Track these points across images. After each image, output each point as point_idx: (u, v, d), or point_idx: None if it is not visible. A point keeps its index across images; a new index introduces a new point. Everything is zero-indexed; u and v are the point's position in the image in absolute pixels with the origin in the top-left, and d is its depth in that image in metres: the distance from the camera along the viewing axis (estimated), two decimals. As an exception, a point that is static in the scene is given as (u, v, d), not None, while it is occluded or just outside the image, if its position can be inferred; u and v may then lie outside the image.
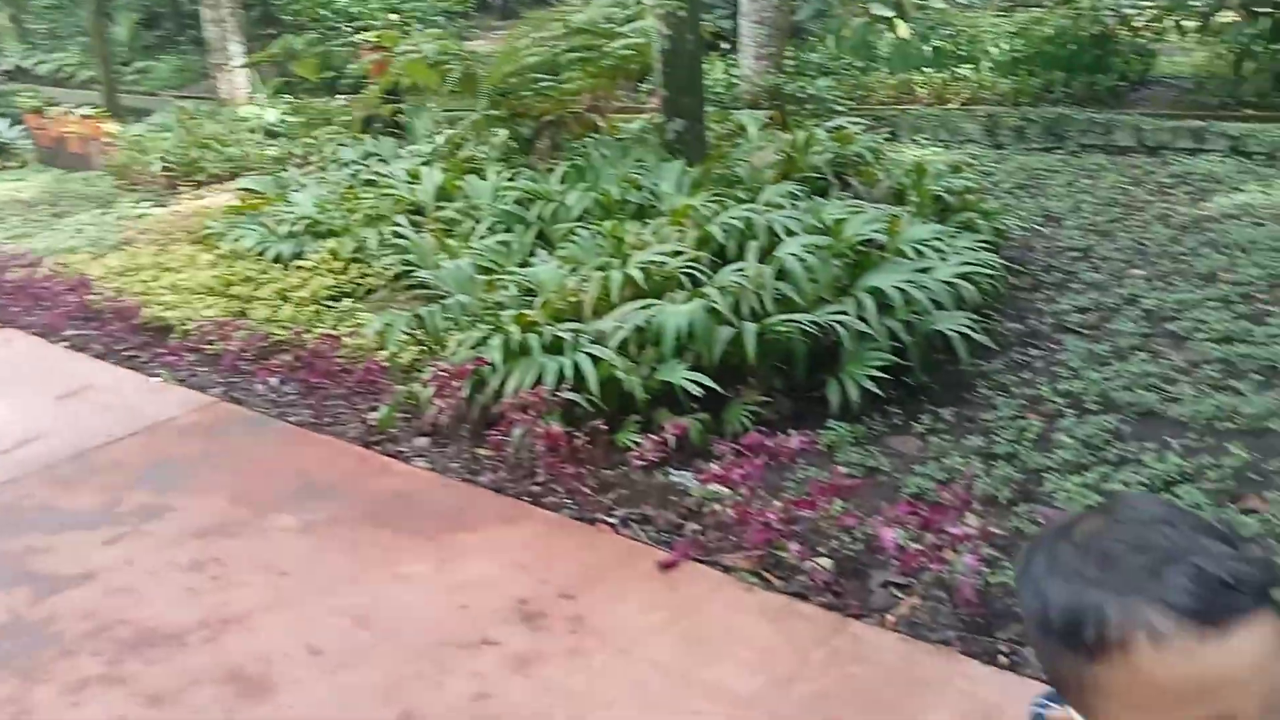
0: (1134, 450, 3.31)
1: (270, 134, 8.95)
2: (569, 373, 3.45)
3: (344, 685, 2.43)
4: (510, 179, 5.29)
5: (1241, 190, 5.91)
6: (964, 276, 4.05)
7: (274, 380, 4.27)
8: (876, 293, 3.79)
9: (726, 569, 2.79)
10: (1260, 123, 6.79)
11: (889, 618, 2.57)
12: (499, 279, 4.29)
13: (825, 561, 2.72)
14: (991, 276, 4.32)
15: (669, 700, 2.30)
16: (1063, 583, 0.79)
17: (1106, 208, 5.87)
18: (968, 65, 8.71)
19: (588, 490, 3.25)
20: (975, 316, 4.00)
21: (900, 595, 2.66)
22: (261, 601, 2.78)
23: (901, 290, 3.80)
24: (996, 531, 2.70)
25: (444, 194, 5.35)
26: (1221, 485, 3.04)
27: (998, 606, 2.54)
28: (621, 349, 3.67)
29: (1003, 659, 2.38)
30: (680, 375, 3.55)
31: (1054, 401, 3.70)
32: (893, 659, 2.38)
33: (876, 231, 4.13)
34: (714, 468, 2.79)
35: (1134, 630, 0.75)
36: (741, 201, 4.54)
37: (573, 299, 3.92)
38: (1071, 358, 3.99)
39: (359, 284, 5.07)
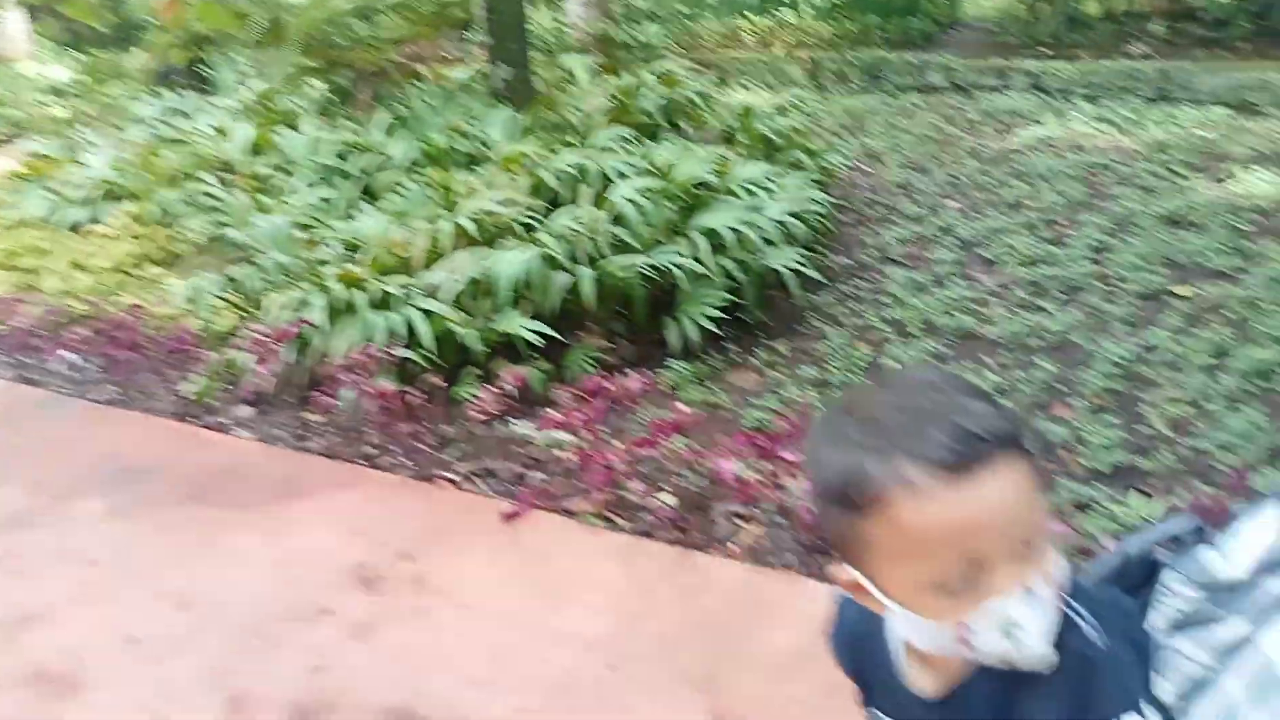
0: (955, 370, 3.48)
1: (58, 93, 8.15)
2: (400, 329, 3.31)
3: (165, 674, 2.26)
4: (329, 131, 4.99)
5: (1041, 124, 6.27)
6: (793, 214, 4.13)
7: (73, 357, 3.91)
8: (710, 233, 3.81)
9: (571, 514, 2.76)
10: (1055, 60, 7.21)
11: (733, 547, 2.61)
12: (320, 236, 4.05)
13: (668, 498, 2.72)
14: (819, 213, 4.42)
15: (517, 650, 2.25)
16: (836, 449, 0.84)
17: (923, 144, 6.12)
18: (789, 10, 8.86)
19: (426, 448, 3.14)
20: (805, 252, 4.09)
21: (742, 525, 2.70)
22: (67, 594, 2.55)
23: (734, 229, 3.83)
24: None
25: (256, 149, 5.01)
26: (1033, 397, 3.23)
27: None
28: (456, 302, 3.54)
29: (841, 576, 2.45)
30: (519, 325, 3.47)
31: (881, 329, 3.84)
32: (737, 586, 2.41)
33: (708, 172, 4.14)
34: (554, 414, 2.73)
35: (892, 484, 0.79)
36: (573, 147, 4.45)
37: (401, 253, 3.75)
38: (896, 287, 4.15)
39: (165, 249, 4.70)
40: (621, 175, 4.08)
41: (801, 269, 3.94)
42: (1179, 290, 3.89)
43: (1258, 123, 5.93)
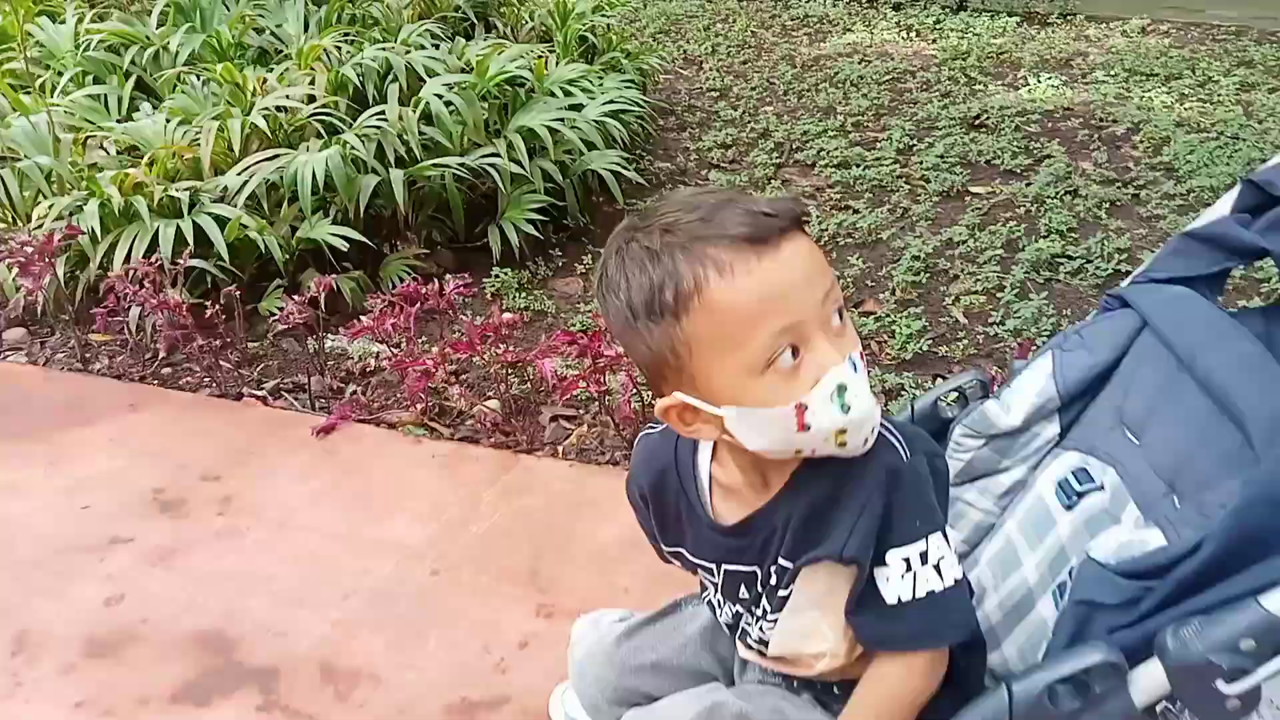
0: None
1: None
2: (190, 237, 3.03)
3: (-67, 619, 2.03)
4: (96, 21, 4.46)
5: (851, 31, 6.41)
6: (613, 115, 4.05)
7: None
8: (528, 133, 3.68)
9: (392, 427, 2.65)
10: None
11: (560, 449, 2.59)
12: (92, 137, 3.64)
13: (492, 404, 2.67)
14: (640, 116, 4.37)
15: (334, 564, 2.16)
16: (637, 266, 0.85)
17: (740, 50, 6.13)
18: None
19: (229, 365, 2.93)
20: (627, 156, 4.03)
21: (569, 426, 2.69)
22: None
23: (552, 130, 3.72)
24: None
25: (6, 40, 4.41)
26: (846, 293, 3.35)
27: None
28: (255, 207, 3.28)
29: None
30: (325, 231, 3.26)
31: (702, 232, 3.86)
32: (562, 485, 2.40)
33: (521, 69, 3.98)
34: (365, 322, 2.59)
35: (704, 271, 0.82)
36: (377, 42, 4.17)
37: (189, 156, 3.42)
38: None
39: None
40: (430, 73, 3.87)
41: (624, 172, 3.90)
42: (976, 189, 4.11)
43: (1046, 32, 6.28)
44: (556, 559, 2.15)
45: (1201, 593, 0.75)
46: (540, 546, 2.18)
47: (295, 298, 2.83)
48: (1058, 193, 3.95)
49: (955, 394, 1.23)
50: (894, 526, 0.94)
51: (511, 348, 2.73)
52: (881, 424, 0.93)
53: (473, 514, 2.31)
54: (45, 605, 2.07)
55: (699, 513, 1.04)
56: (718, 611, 1.15)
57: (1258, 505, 0.74)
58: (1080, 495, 1.03)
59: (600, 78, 4.41)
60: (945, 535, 0.95)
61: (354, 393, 2.79)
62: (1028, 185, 4.06)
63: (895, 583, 0.94)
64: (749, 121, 4.96)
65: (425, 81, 3.78)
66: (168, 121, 3.57)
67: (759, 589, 1.04)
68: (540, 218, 3.63)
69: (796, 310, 0.84)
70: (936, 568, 0.93)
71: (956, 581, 0.93)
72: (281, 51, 4.27)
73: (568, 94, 4.09)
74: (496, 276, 3.50)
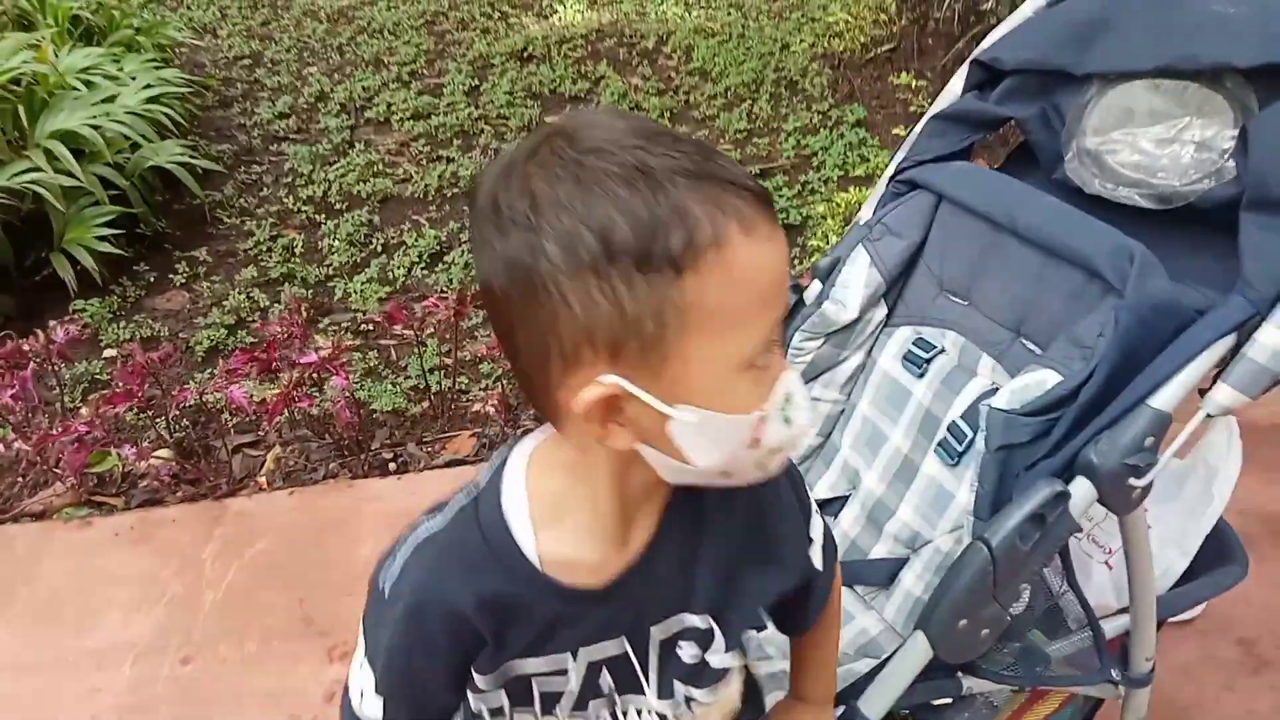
0: (394, 235, 3.43)
1: None
2: None
3: None
4: None
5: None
6: (155, 100, 3.54)
7: None
8: (67, 136, 3.09)
9: (40, 515, 2.17)
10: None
11: (260, 480, 2.32)
12: None
13: (164, 453, 2.29)
14: (181, 98, 3.87)
15: (50, 698, 1.76)
16: (615, 189, 0.59)
17: (254, 10, 5.63)
18: None
19: None
20: (185, 144, 3.57)
21: (257, 453, 2.41)
22: None
23: (94, 127, 3.16)
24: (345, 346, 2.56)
25: None
26: (469, 244, 3.34)
27: (369, 428, 2.47)
28: None
29: (391, 465, 2.36)
30: None
31: (303, 211, 3.59)
32: (292, 517, 2.17)
33: (26, 65, 3.30)
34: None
35: (724, 221, 0.60)
36: None
37: None
38: (298, 164, 3.87)
39: None
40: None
41: (192, 162, 3.45)
42: (550, 119, 4.27)
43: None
44: (324, 596, 1.96)
45: (1101, 412, 0.93)
46: (298, 589, 1.97)
47: None
48: (627, 108, 4.25)
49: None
50: (771, 522, 0.84)
51: (165, 387, 2.35)
52: None
53: (199, 583, 2.01)
54: None
55: (539, 586, 0.75)
56: None
57: (1133, 327, 0.93)
58: (928, 361, 1.20)
59: (118, 61, 3.81)
60: (820, 517, 0.91)
61: (-34, 494, 2.23)
62: (596, 105, 4.31)
63: (818, 546, 0.90)
64: (299, 86, 4.62)
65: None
66: None
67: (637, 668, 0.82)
68: (111, 231, 3.10)
69: (784, 300, 0.67)
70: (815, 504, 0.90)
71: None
72: None
73: (90, 86, 3.48)
74: (83, 310, 2.95)
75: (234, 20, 5.46)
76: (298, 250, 3.35)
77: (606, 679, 0.81)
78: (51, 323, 2.34)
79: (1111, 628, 1.14)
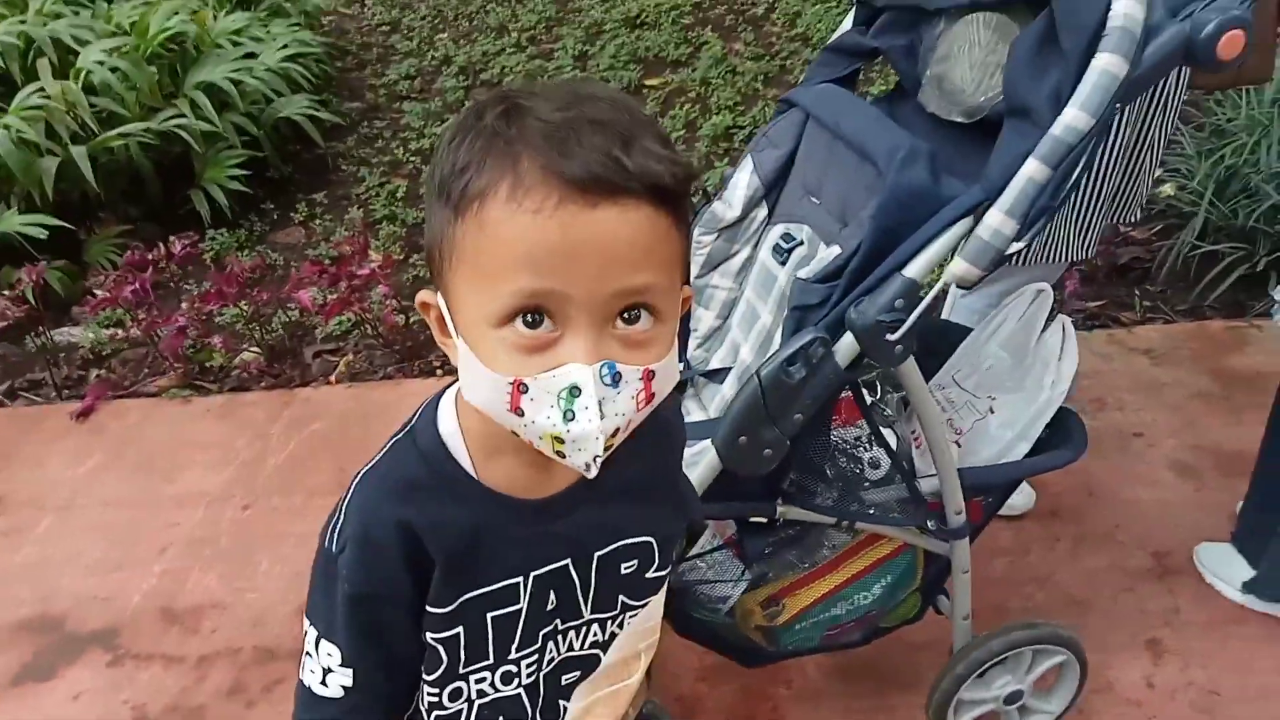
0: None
1: None
2: None
3: None
4: None
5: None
6: (293, 59, 4.02)
7: None
8: (209, 88, 3.59)
9: (153, 395, 2.64)
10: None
11: (331, 379, 2.70)
12: None
13: (252, 353, 2.71)
14: (317, 58, 4.34)
15: (139, 526, 2.19)
16: (462, 138, 0.69)
17: (399, -18, 6.13)
18: None
19: (-56, 378, 2.74)
20: (315, 99, 4.03)
21: (334, 359, 2.80)
22: None
23: (234, 82, 3.66)
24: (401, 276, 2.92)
25: None
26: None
27: (421, 335, 2.82)
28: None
29: (438, 370, 2.69)
30: (16, 223, 3.05)
31: (411, 161, 3.98)
32: (347, 405, 2.54)
33: (184, 25, 3.83)
34: (101, 294, 2.53)
35: (498, 181, 0.66)
36: (7, 17, 3.82)
37: None
38: (413, 120, 4.28)
39: None
40: (81, 42, 3.63)
41: (318, 115, 3.91)
42: (651, 82, 4.51)
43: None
44: (360, 464, 2.30)
45: (865, 279, 1.10)
46: (341, 460, 2.33)
47: (4, 295, 2.68)
48: (720, 74, 4.44)
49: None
50: (671, 467, 0.96)
51: (252, 303, 2.77)
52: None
53: (265, 450, 2.40)
54: None
55: (488, 505, 0.80)
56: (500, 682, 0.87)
57: (889, 207, 1.10)
58: (789, 252, 1.39)
59: (265, 24, 4.33)
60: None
61: (99, 375, 2.72)
62: (693, 71, 4.51)
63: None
64: (427, 50, 5.05)
65: (79, 52, 3.55)
66: None
67: (580, 590, 0.85)
68: (243, 173, 3.58)
69: (563, 280, 0.66)
70: None
71: None
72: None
73: (237, 45, 3.99)
74: (213, 239, 3.45)
75: (380, -9, 5.98)
76: (399, 195, 3.74)
77: (553, 599, 0.84)
78: (171, 238, 2.78)
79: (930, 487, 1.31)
